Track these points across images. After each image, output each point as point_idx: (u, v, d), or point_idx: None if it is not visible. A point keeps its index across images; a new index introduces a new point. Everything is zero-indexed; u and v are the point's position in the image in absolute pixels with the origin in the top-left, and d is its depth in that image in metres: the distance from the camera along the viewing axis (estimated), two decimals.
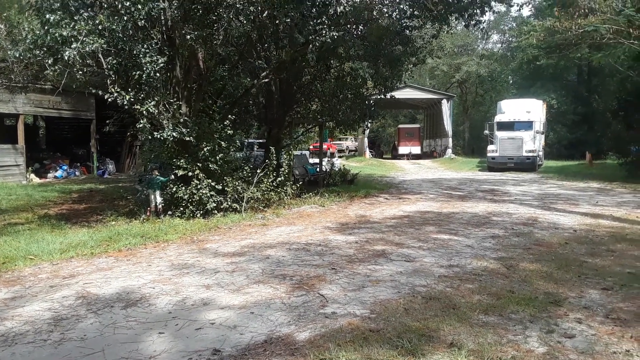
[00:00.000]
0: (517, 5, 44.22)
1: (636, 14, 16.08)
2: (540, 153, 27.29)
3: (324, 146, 34.30)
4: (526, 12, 55.36)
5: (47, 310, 4.88)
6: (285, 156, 14.42)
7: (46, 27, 8.75)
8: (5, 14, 14.62)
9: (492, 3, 14.43)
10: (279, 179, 12.03)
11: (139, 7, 8.89)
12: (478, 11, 13.97)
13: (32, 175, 20.02)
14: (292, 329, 4.30)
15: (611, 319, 4.44)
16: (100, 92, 9.86)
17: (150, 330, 4.32)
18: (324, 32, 11.15)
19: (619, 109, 21.80)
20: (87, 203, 13.75)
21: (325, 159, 18.92)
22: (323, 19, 11.72)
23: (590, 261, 6.56)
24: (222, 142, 10.71)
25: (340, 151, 40.13)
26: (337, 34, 11.25)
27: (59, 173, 21.50)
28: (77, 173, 22.47)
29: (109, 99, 9.51)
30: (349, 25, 13.93)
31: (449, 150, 38.99)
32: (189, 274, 6.12)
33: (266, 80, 13.60)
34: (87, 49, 8.64)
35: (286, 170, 12.64)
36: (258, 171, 11.94)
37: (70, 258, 7.15)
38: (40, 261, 6.97)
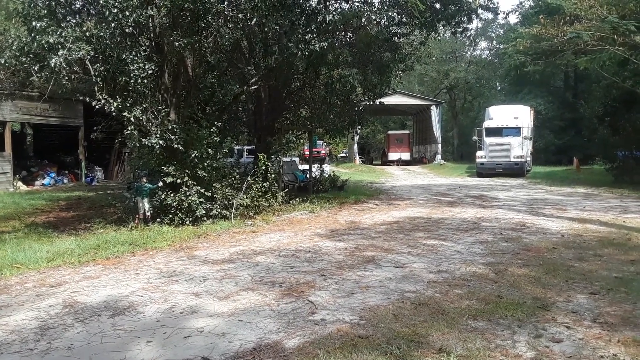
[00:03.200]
0: (504, 13, 44.82)
1: (620, 21, 16.29)
2: (529, 159, 27.51)
3: (322, 151, 34.43)
4: (513, 19, 56.00)
5: (34, 319, 4.83)
6: (274, 162, 14.41)
7: (33, 34, 8.71)
8: None
9: (479, 11, 14.60)
10: (266, 183, 12.01)
11: (127, 14, 8.88)
12: (465, 19, 14.14)
13: (20, 183, 19.86)
14: (281, 336, 4.28)
15: (598, 323, 4.47)
16: (87, 99, 9.81)
17: (138, 339, 4.28)
18: (312, 41, 11.19)
19: (605, 114, 22.04)
20: (74, 211, 13.65)
21: (315, 165, 18.92)
22: (312, 27, 11.77)
23: (577, 266, 6.61)
24: (210, 149, 10.68)
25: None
26: (325, 44, 11.30)
27: (46, 180, 21.34)
28: (65, 180, 22.30)
29: (97, 106, 9.47)
30: (337, 33, 14.00)
31: (439, 156, 39.20)
32: (178, 282, 6.09)
33: (255, 87, 13.60)
34: (74, 55, 8.62)
35: (275, 177, 12.63)
36: (248, 178, 11.91)
37: (57, 266, 7.08)
38: (27, 270, 6.89)
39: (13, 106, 19.15)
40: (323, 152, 38.31)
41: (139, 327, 4.57)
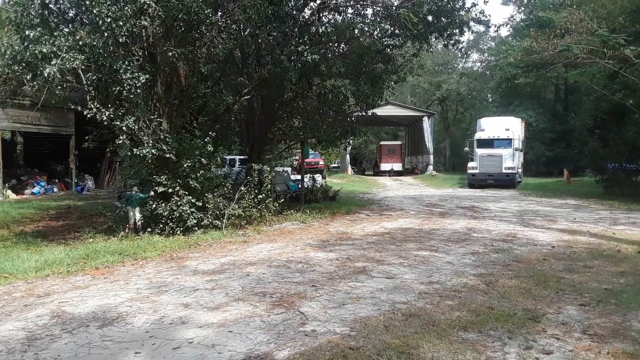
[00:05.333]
0: (495, 26, 45.42)
1: (610, 34, 16.52)
2: (519, 170, 27.66)
3: (320, 162, 33.45)
4: (504, 32, 56.51)
5: (21, 329, 4.77)
6: (266, 173, 14.40)
7: (26, 43, 8.68)
8: None
9: (471, 23, 14.72)
10: (260, 195, 12.00)
11: (120, 23, 8.88)
12: (457, 31, 14.26)
13: (9, 192, 19.65)
14: (271, 347, 4.26)
15: (588, 335, 4.48)
16: (79, 108, 9.77)
17: (126, 350, 4.24)
18: (305, 53, 11.24)
19: (595, 126, 22.22)
20: (64, 220, 13.54)
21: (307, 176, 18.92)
22: (305, 39, 11.81)
23: (567, 277, 6.63)
24: (203, 159, 10.66)
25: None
26: (317, 56, 11.35)
27: (36, 189, 21.14)
28: (55, 189, 22.12)
29: (89, 115, 9.43)
30: (330, 44, 14.07)
31: (430, 167, 39.34)
32: (168, 292, 6.04)
33: (248, 97, 13.62)
34: (68, 65, 8.58)
35: (268, 187, 12.62)
36: (242, 188, 11.88)
37: (45, 276, 7.02)
38: (15, 279, 6.83)
39: (4, 114, 19.01)
40: (322, 162, 35.45)
41: (128, 338, 4.53)
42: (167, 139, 10.08)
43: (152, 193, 10.30)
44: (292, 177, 20.07)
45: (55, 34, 8.86)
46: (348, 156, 41.80)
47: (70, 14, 10.45)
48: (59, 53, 8.51)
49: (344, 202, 17.43)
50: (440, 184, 30.82)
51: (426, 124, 39.39)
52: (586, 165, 26.31)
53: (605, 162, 20.92)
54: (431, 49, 18.59)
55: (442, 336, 4.41)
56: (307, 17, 13.66)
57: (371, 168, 50.08)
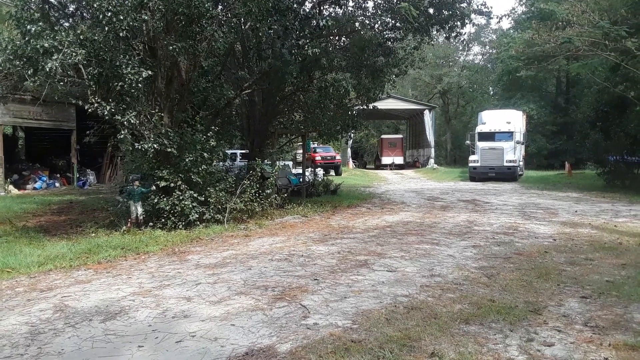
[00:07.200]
0: (497, 18, 45.20)
1: (612, 26, 16.45)
2: (521, 163, 27.62)
3: (337, 156, 32.57)
4: (506, 24, 56.35)
5: (24, 324, 4.80)
6: (267, 166, 14.40)
7: (27, 38, 8.67)
8: None
9: (472, 16, 14.66)
10: (268, 190, 12.02)
11: (121, 17, 8.86)
12: (458, 23, 14.21)
13: (11, 187, 19.69)
14: (273, 340, 4.28)
15: (589, 327, 4.50)
16: (80, 103, 9.77)
17: (129, 344, 4.26)
18: (306, 46, 11.22)
19: (597, 119, 22.18)
20: (66, 215, 13.55)
21: (309, 170, 18.91)
22: (305, 32, 11.77)
23: (569, 270, 6.64)
24: (205, 154, 10.66)
25: None
26: (318, 50, 11.31)
27: (38, 184, 21.18)
28: (56, 184, 22.15)
29: (90, 110, 9.42)
30: (331, 37, 14.02)
31: (432, 161, 39.29)
32: (170, 286, 6.07)
33: (249, 91, 13.60)
34: (69, 60, 8.56)
35: (273, 183, 12.63)
36: (245, 181, 11.87)
37: (48, 271, 7.04)
38: (18, 274, 6.85)
39: (5, 109, 19.04)
40: (338, 157, 32.11)
41: (131, 331, 4.55)
42: (169, 134, 10.08)
43: (153, 187, 10.32)
44: (294, 170, 20.08)
45: (56, 28, 8.84)
46: (349, 150, 41.76)
47: (71, 8, 10.42)
48: (60, 48, 8.49)
49: (346, 196, 17.44)
50: (442, 177, 30.79)
51: (427, 117, 39.33)
52: (588, 158, 26.26)
53: (606, 154, 20.89)
54: (432, 42, 18.52)
55: (444, 329, 4.42)
56: (307, 10, 13.60)
57: (372, 162, 50.07)
